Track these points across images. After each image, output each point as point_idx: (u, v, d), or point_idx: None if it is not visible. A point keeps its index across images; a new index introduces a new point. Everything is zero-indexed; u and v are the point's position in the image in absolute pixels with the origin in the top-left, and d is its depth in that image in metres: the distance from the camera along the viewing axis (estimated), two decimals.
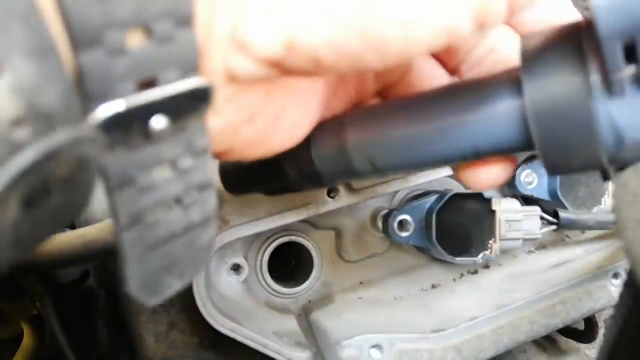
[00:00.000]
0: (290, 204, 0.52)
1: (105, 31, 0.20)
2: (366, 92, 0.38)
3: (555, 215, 0.63)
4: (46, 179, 0.19)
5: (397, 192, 0.64)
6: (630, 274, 0.29)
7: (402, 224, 0.59)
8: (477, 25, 0.25)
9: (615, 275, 0.62)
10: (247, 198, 0.52)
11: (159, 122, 0.22)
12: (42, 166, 0.18)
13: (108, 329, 0.74)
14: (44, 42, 0.18)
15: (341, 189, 0.54)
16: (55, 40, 0.19)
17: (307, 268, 0.62)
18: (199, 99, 0.23)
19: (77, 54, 0.20)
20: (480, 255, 0.59)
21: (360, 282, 0.64)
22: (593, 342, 0.70)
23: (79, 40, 0.20)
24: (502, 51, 0.35)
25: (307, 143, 0.35)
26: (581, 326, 0.70)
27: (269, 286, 0.60)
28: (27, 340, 0.97)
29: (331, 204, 0.54)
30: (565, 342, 0.73)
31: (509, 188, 0.68)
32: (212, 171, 0.26)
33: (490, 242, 0.59)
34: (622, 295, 0.31)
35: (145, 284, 0.25)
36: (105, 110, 0.21)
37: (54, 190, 0.20)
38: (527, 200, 0.67)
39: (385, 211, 0.61)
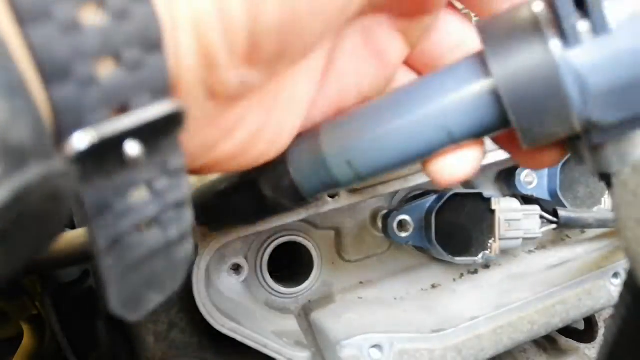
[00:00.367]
0: None
1: (74, 63, 0.20)
2: (347, 99, 0.37)
3: (554, 214, 0.63)
4: (19, 215, 0.19)
5: (397, 192, 0.64)
6: (630, 273, 0.29)
7: (401, 225, 0.59)
8: None
9: (615, 275, 0.62)
10: None
11: (132, 148, 0.22)
12: (15, 203, 0.18)
13: (108, 329, 0.74)
14: (13, 79, 0.18)
15: None
16: (25, 75, 0.19)
17: (307, 268, 0.62)
18: (171, 122, 0.23)
19: (48, 88, 0.20)
20: (480, 255, 0.59)
21: (360, 282, 0.64)
22: (593, 342, 0.70)
23: (49, 74, 0.20)
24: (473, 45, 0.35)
25: (283, 157, 0.34)
26: (581, 326, 0.70)
27: (269, 286, 0.60)
28: (27, 340, 0.98)
29: (331, 204, 0.54)
30: (565, 342, 0.73)
31: (509, 188, 0.68)
32: (187, 188, 0.27)
33: (490, 241, 0.59)
34: (622, 295, 0.31)
35: (127, 302, 0.25)
36: (78, 141, 0.21)
37: (26, 224, 0.19)
38: (527, 201, 0.67)
39: (385, 211, 0.61)
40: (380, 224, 0.62)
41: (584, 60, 0.25)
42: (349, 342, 0.51)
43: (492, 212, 0.58)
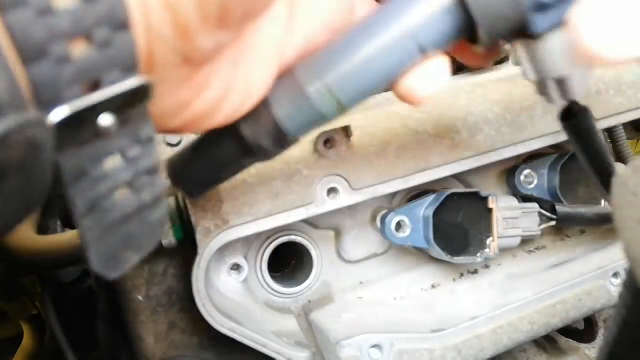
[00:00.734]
0: (290, 204, 0.52)
1: (49, 44, 0.22)
2: (317, 36, 0.37)
3: (552, 210, 0.63)
4: (2, 163, 0.20)
5: (397, 192, 0.64)
6: (630, 274, 0.29)
7: (399, 226, 0.59)
8: None
9: (615, 275, 0.62)
10: (247, 198, 0.52)
11: (106, 119, 0.25)
12: None
13: (108, 329, 0.74)
14: None
15: (341, 189, 0.54)
16: (5, 53, 0.20)
17: (307, 268, 0.62)
18: (140, 95, 0.25)
19: (27, 67, 0.22)
20: (479, 254, 0.59)
21: (360, 282, 0.64)
22: (593, 342, 0.70)
23: (27, 54, 0.22)
24: None
25: (263, 101, 0.35)
26: (581, 326, 0.70)
27: (269, 286, 0.60)
28: (27, 340, 0.98)
29: (331, 204, 0.54)
30: (565, 342, 0.73)
31: (509, 188, 0.68)
32: (159, 155, 0.29)
33: (489, 240, 0.59)
34: (622, 295, 0.31)
35: (106, 261, 0.28)
36: (55, 115, 0.23)
37: (10, 174, 0.21)
38: (527, 201, 0.67)
39: (384, 212, 0.61)
40: (379, 225, 0.62)
41: None
42: (348, 342, 0.51)
43: (490, 210, 0.58)
